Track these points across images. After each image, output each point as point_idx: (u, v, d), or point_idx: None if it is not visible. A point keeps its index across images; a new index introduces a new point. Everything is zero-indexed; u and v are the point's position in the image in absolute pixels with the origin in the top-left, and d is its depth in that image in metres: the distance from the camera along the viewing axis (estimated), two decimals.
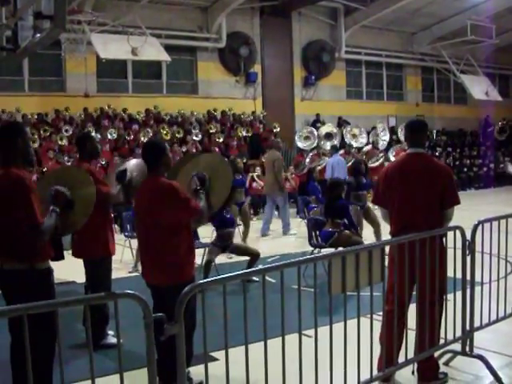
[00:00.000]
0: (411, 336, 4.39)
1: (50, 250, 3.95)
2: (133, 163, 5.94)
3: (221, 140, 18.64)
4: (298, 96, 22.50)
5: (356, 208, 10.02)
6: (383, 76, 25.35)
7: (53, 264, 4.04)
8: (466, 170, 24.11)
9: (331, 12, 22.81)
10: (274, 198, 13.18)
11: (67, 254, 5.31)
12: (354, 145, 19.15)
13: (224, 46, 20.46)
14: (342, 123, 21.94)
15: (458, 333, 4.74)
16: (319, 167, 16.18)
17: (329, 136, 19.28)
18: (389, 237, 4.66)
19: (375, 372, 4.16)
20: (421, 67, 25.98)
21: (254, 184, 16.67)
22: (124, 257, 9.48)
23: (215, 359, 4.46)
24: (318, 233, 8.70)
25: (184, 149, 17.28)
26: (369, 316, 3.99)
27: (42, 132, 16.18)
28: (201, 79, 20.69)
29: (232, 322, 3.24)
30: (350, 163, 16.53)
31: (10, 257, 3.79)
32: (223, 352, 3.21)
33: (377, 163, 17.93)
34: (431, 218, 4.46)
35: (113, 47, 16.12)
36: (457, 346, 4.85)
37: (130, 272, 9.08)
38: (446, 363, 4.89)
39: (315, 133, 19.27)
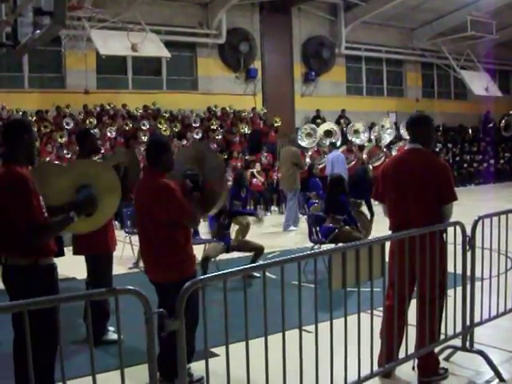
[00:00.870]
0: (411, 331, 4.39)
1: (54, 246, 3.95)
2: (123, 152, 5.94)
3: (220, 137, 18.65)
4: (298, 92, 22.49)
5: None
6: (383, 72, 25.32)
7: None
8: (466, 165, 24.12)
9: (331, 8, 22.79)
10: (290, 192, 13.26)
11: (67, 250, 5.34)
12: (357, 141, 19.10)
13: (224, 42, 20.46)
14: (343, 115, 21.93)
15: (459, 328, 4.74)
16: (320, 166, 16.19)
17: (328, 134, 19.24)
18: (388, 232, 4.66)
19: (376, 367, 4.16)
20: (421, 63, 25.96)
21: (254, 180, 16.70)
22: (124, 253, 9.49)
23: (216, 355, 4.47)
24: (318, 229, 8.71)
25: (184, 142, 17.39)
26: (369, 312, 3.99)
27: (42, 128, 16.19)
28: (201, 75, 20.68)
29: (232, 317, 3.24)
30: (352, 163, 16.57)
31: (13, 252, 3.79)
32: (224, 348, 3.21)
33: (378, 162, 17.91)
34: (427, 214, 4.45)
35: (113, 43, 16.11)
36: (457, 342, 4.85)
37: (130, 268, 9.10)
38: (447, 359, 4.90)
39: (317, 129, 19.24)
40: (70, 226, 3.90)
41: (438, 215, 4.49)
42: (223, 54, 20.79)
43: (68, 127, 16.41)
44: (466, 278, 4.73)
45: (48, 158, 14.75)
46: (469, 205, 12.14)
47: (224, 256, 8.68)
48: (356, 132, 19.53)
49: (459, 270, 4.70)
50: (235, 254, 8.99)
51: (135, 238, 9.03)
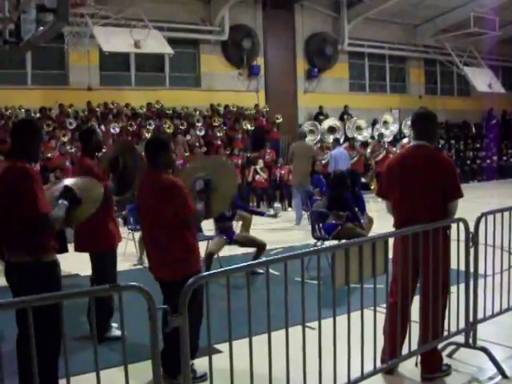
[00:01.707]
0: (415, 328, 4.40)
1: (56, 242, 3.96)
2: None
3: (222, 134, 18.64)
4: (301, 88, 22.44)
5: None
6: (386, 68, 25.26)
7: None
8: (469, 162, 24.09)
9: (334, 4, 22.73)
10: (304, 188, 13.23)
11: (70, 246, 5.35)
12: (359, 138, 19.11)
13: (227, 39, 20.40)
14: (346, 111, 21.92)
15: (462, 325, 4.75)
16: (323, 161, 16.19)
17: (332, 130, 19.26)
18: (392, 229, 4.66)
19: (379, 364, 4.16)
20: (424, 59, 25.87)
21: (257, 176, 16.70)
22: (128, 250, 9.50)
23: (219, 351, 4.48)
24: (321, 225, 8.71)
25: (188, 137, 17.37)
26: (372, 308, 3.99)
27: (45, 127, 16.19)
28: (204, 72, 20.65)
29: (236, 314, 3.24)
30: (354, 159, 16.58)
31: (16, 250, 3.81)
32: (227, 344, 3.22)
33: (380, 156, 17.93)
34: (432, 211, 4.44)
35: (115, 40, 16.10)
36: (460, 338, 4.85)
37: (134, 265, 9.12)
38: (450, 355, 4.90)
39: (319, 126, 19.26)
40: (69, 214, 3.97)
41: (443, 212, 4.48)
42: (226, 51, 20.75)
43: (71, 127, 16.41)
44: (469, 275, 4.73)
45: (49, 154, 14.84)
46: (472, 201, 12.11)
47: (227, 252, 8.69)
48: (358, 128, 19.55)
49: (462, 267, 4.71)
50: (238, 251, 9.00)
51: (138, 235, 9.07)
